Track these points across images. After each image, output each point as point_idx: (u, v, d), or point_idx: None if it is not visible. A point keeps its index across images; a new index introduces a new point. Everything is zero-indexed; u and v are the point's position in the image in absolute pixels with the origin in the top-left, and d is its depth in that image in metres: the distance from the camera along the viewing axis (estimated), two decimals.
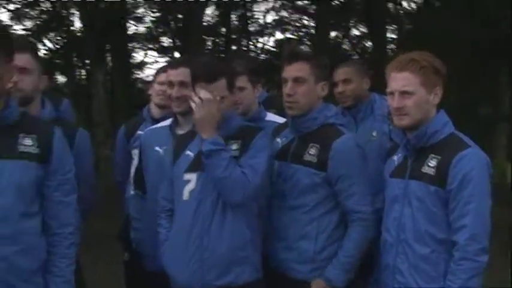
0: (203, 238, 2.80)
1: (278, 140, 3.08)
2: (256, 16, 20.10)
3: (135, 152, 3.77)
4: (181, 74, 3.17)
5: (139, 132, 3.92)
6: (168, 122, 3.44)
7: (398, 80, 2.65)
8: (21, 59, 2.83)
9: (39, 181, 2.44)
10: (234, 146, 2.87)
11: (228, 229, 2.80)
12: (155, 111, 3.96)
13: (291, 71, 2.93)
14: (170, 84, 3.32)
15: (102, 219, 4.91)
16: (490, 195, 2.57)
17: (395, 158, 2.82)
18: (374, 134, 3.62)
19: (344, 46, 20.07)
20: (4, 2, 16.85)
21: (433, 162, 2.60)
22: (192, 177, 2.88)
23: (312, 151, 2.89)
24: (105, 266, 4.20)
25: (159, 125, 3.53)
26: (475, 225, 2.50)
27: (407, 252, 2.66)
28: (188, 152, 2.95)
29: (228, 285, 2.81)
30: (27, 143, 2.41)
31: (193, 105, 2.82)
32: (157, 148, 3.38)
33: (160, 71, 4.06)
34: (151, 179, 3.37)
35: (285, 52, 3.07)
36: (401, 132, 2.74)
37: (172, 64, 3.59)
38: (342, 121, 3.05)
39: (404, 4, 18.34)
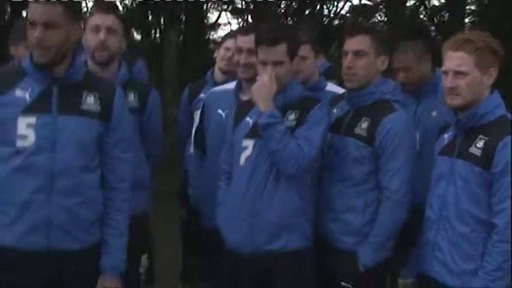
0: (255, 203, 2.90)
1: (334, 110, 3.12)
2: None
3: (197, 113, 3.89)
4: (250, 40, 3.20)
5: (201, 95, 4.03)
6: (232, 85, 3.52)
7: (453, 59, 2.65)
8: (108, 20, 3.04)
9: (100, 137, 2.58)
10: (292, 116, 2.94)
11: (279, 197, 2.89)
12: (218, 76, 4.04)
13: (352, 43, 2.96)
14: (239, 50, 3.38)
15: (166, 175, 5.07)
16: None
17: (445, 136, 2.83)
18: (433, 113, 3.55)
19: (421, 16, 19.51)
20: None
21: (480, 144, 2.61)
22: (249, 143, 2.98)
23: (364, 125, 2.94)
24: (162, 222, 4.36)
25: (223, 87, 3.62)
26: None
27: (448, 229, 2.69)
28: (248, 119, 3.05)
29: (277, 250, 2.91)
30: (90, 101, 2.54)
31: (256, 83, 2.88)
32: (219, 111, 3.47)
33: (227, 36, 4.13)
34: (212, 140, 3.49)
35: (347, 25, 3.08)
36: (453, 111, 2.74)
37: (242, 30, 3.64)
38: (398, 98, 3.05)
39: None
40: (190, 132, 3.98)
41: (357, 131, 2.95)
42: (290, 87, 2.99)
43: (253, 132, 2.97)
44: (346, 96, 3.10)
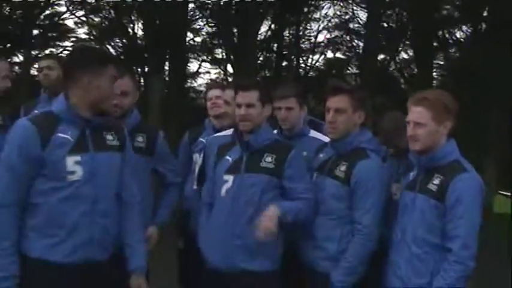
0: (235, 227, 3.37)
1: (321, 155, 3.67)
2: (308, 34, 20.74)
3: (197, 156, 4.43)
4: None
5: (200, 139, 4.57)
6: (229, 131, 3.99)
7: (414, 112, 3.24)
8: (123, 85, 3.63)
9: (121, 165, 3.13)
10: (269, 159, 3.47)
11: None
12: (215, 122, 4.58)
13: (333, 102, 3.50)
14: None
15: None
16: (480, 213, 3.12)
17: (411, 174, 3.39)
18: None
19: (391, 68, 20.47)
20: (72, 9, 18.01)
21: (436, 181, 3.19)
22: (229, 178, 3.45)
23: (342, 168, 3.43)
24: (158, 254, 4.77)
25: (222, 133, 4.15)
26: (467, 235, 3.08)
27: (406, 250, 3.23)
28: (227, 157, 3.52)
29: (252, 270, 3.38)
30: (110, 137, 3.06)
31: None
32: None
33: (208, 88, 4.72)
34: None
35: (329, 86, 3.65)
36: (416, 154, 3.31)
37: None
38: (374, 146, 3.57)
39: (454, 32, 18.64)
40: (188, 173, 4.51)
41: (336, 172, 3.44)
42: (263, 130, 3.50)
43: (233, 169, 3.47)
44: (329, 144, 3.65)
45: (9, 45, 17.03)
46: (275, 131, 4.00)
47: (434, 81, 19.27)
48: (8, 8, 17.11)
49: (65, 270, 2.90)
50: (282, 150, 3.48)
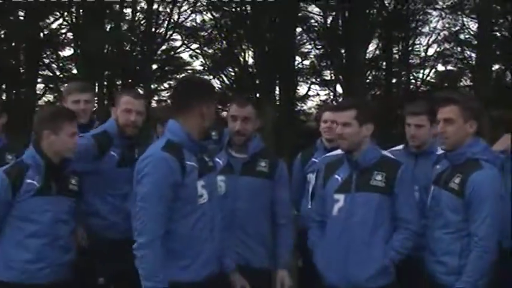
0: (349, 247, 3.51)
1: (437, 166, 3.70)
2: (417, 49, 20.46)
3: (310, 176, 4.66)
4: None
5: (313, 159, 4.82)
6: (339, 151, 4.27)
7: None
8: (245, 111, 3.89)
9: None
10: (379, 177, 3.56)
11: (374, 241, 3.54)
12: (327, 144, 4.82)
13: (443, 113, 3.55)
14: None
15: None
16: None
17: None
18: None
19: (507, 79, 19.67)
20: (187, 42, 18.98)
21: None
22: (340, 197, 3.59)
23: (457, 180, 3.45)
24: None
25: (333, 153, 4.34)
26: None
27: None
28: (336, 176, 3.66)
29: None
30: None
31: None
32: None
33: (322, 110, 4.93)
34: None
35: (438, 97, 3.75)
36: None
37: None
38: (488, 156, 3.52)
39: None
40: (303, 193, 4.76)
41: (451, 185, 3.45)
42: (369, 149, 3.62)
43: (343, 187, 3.60)
44: (444, 155, 3.68)
45: (130, 80, 18.20)
46: (400, 147, 4.21)
47: None
48: (128, 46, 18.33)
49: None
50: (391, 168, 3.59)
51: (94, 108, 4.81)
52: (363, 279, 3.52)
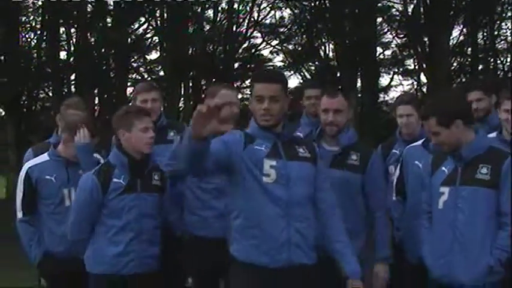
0: (454, 242, 3.47)
1: None
2: (504, 34, 19.74)
3: (392, 168, 4.67)
4: (427, 125, 3.69)
5: (393, 150, 4.83)
6: (420, 142, 4.32)
7: None
8: (337, 102, 3.88)
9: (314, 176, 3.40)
10: (484, 170, 3.46)
11: (487, 238, 3.46)
12: (405, 135, 4.78)
13: None
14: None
15: None
16: None
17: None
18: None
19: None
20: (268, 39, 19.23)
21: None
22: (445, 190, 3.52)
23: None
24: None
25: (416, 143, 4.41)
26: None
27: None
28: (443, 168, 3.59)
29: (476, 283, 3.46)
30: (302, 149, 3.36)
31: None
32: (416, 162, 4.24)
33: (397, 103, 4.89)
34: (411, 187, 4.26)
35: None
36: None
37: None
38: None
39: None
40: (388, 183, 4.78)
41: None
42: (476, 140, 3.51)
43: (448, 180, 3.53)
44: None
45: (214, 79, 18.66)
46: (493, 134, 4.10)
47: None
48: (211, 46, 18.79)
49: (267, 273, 3.18)
50: (497, 159, 3.46)
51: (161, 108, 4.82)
52: (467, 279, 3.47)
